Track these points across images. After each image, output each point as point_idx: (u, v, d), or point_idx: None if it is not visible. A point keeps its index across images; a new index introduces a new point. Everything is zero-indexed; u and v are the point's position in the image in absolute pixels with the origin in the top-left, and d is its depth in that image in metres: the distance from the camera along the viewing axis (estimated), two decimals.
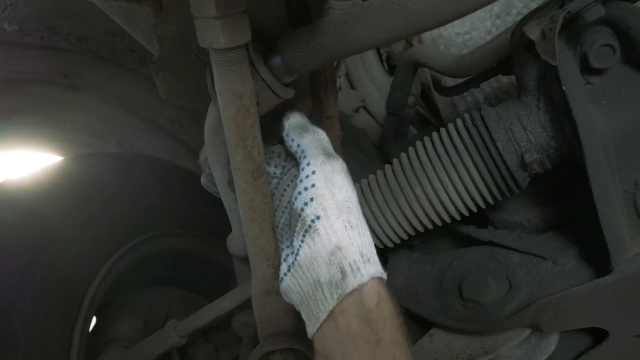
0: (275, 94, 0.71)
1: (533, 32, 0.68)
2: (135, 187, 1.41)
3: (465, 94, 1.31)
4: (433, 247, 1.06)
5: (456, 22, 1.66)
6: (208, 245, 1.56)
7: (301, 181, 0.68)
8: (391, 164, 0.91)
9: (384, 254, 1.07)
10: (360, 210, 0.69)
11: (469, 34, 1.21)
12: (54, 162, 1.38)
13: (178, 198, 1.48)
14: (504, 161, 0.80)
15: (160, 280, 1.54)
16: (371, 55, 1.32)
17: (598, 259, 0.82)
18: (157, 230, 1.42)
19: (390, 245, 0.92)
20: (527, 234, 0.94)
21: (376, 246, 0.98)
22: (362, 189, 0.90)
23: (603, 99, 0.72)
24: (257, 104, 0.72)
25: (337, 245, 0.64)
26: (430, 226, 0.89)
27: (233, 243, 1.02)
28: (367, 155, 1.14)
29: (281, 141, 0.80)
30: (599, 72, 0.72)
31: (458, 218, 0.88)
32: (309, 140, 0.73)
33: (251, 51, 0.69)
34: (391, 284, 1.06)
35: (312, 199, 0.66)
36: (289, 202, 0.73)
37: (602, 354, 0.92)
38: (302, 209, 0.67)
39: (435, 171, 0.83)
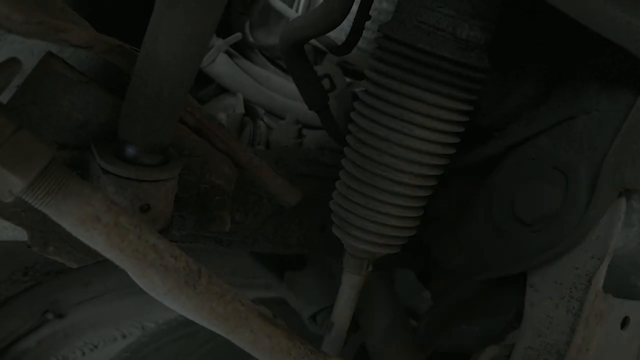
0: (154, 180, 0.57)
1: None
2: None
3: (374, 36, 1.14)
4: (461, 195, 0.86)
5: None
6: None
7: None
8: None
9: (425, 246, 0.89)
10: None
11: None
12: None
13: None
14: (442, 57, 0.62)
15: None
16: (272, 76, 1.17)
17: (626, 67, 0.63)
18: None
19: (411, 233, 0.73)
20: (535, 110, 0.75)
21: (406, 242, 0.80)
22: (336, 204, 0.73)
23: None
24: (146, 208, 0.58)
25: None
26: (429, 187, 0.71)
27: None
28: (334, 165, 0.97)
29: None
30: None
31: (452, 151, 0.70)
32: None
33: (99, 160, 0.57)
34: (453, 276, 0.87)
35: None
36: None
37: None
38: None
39: (387, 127, 0.66)
